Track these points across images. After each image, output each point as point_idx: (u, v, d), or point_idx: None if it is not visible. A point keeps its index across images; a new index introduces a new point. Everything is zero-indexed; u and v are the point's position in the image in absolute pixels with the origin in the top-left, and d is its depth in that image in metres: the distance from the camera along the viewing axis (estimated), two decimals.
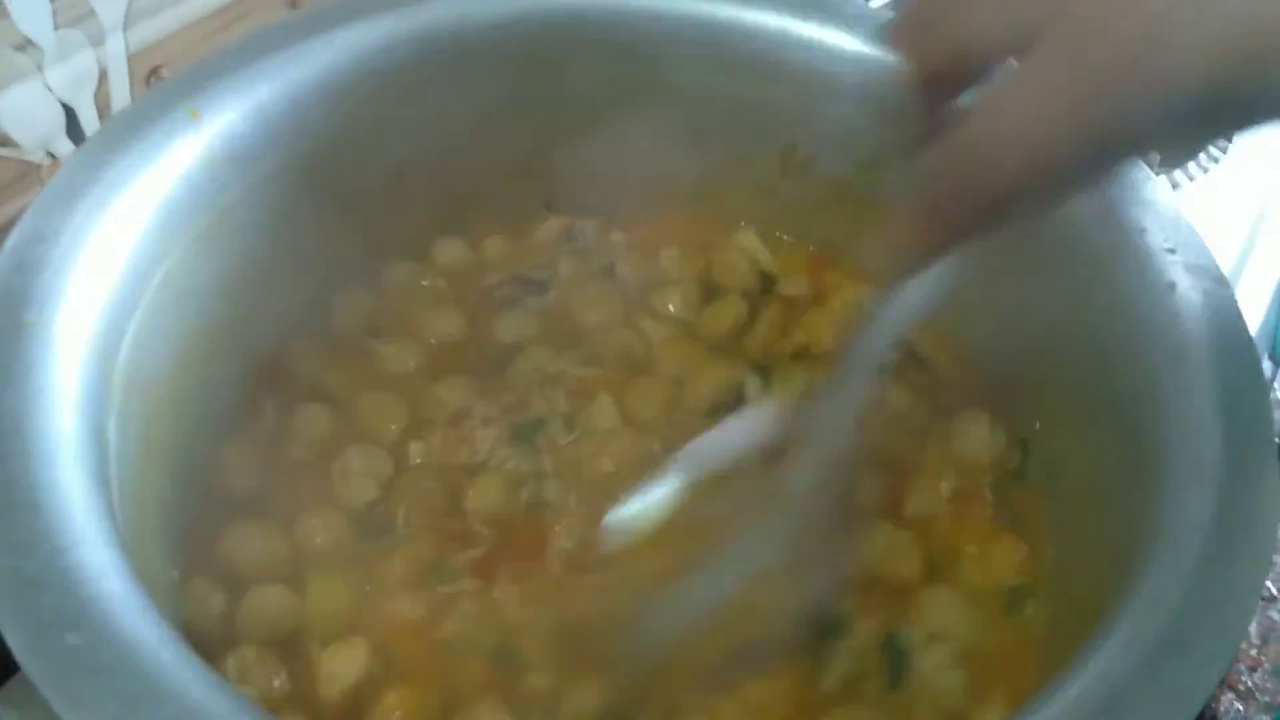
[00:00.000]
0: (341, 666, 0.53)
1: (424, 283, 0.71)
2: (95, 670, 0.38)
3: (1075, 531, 0.57)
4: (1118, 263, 0.56)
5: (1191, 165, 0.83)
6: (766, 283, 0.74)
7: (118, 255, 0.53)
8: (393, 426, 0.63)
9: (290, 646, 0.55)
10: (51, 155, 0.74)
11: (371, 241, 0.69)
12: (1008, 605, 0.58)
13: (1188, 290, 0.54)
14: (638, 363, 0.68)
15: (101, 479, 0.47)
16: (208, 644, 0.54)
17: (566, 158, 0.71)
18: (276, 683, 0.53)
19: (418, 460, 0.62)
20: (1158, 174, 0.83)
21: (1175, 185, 0.82)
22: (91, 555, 0.42)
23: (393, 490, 0.61)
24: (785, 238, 0.75)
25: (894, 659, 0.55)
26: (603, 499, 0.59)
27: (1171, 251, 0.55)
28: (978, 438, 0.65)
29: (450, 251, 0.73)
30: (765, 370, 0.68)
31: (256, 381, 0.64)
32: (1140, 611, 0.42)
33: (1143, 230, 0.56)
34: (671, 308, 0.71)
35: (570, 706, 0.54)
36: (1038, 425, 0.63)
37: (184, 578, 0.56)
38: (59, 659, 0.39)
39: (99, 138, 0.56)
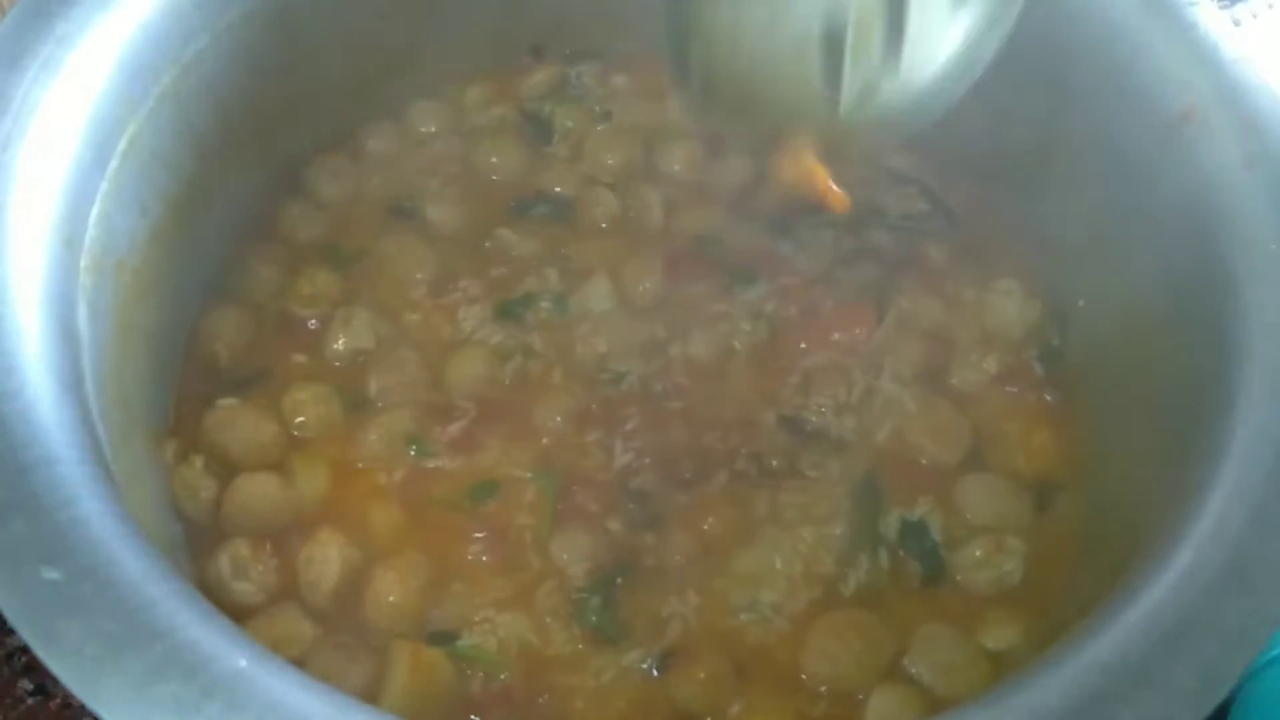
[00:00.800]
0: (320, 570, 0.51)
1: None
2: (75, 606, 0.35)
3: (1118, 429, 0.53)
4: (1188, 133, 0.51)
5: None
6: None
7: (76, 122, 0.48)
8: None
9: (284, 537, 0.52)
10: None
11: (349, 98, 0.64)
12: (1037, 499, 0.54)
13: (1266, 167, 0.48)
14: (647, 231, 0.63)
15: (72, 380, 0.43)
16: (202, 536, 0.52)
17: None
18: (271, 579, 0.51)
19: (396, 334, 0.59)
20: (1220, 8, 0.77)
21: (1237, 21, 0.75)
22: (65, 473, 0.38)
23: (370, 364, 0.57)
24: None
25: (926, 554, 0.53)
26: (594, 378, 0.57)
27: (1247, 125, 0.49)
28: (1008, 309, 0.60)
29: (425, 115, 0.67)
30: (787, 227, 0.63)
31: (238, 247, 0.60)
32: (1202, 536, 0.39)
33: (1216, 99, 0.50)
34: (676, 166, 0.66)
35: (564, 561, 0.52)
36: (1081, 303, 0.58)
37: (175, 464, 0.53)
38: (33, 594, 0.35)
39: None
